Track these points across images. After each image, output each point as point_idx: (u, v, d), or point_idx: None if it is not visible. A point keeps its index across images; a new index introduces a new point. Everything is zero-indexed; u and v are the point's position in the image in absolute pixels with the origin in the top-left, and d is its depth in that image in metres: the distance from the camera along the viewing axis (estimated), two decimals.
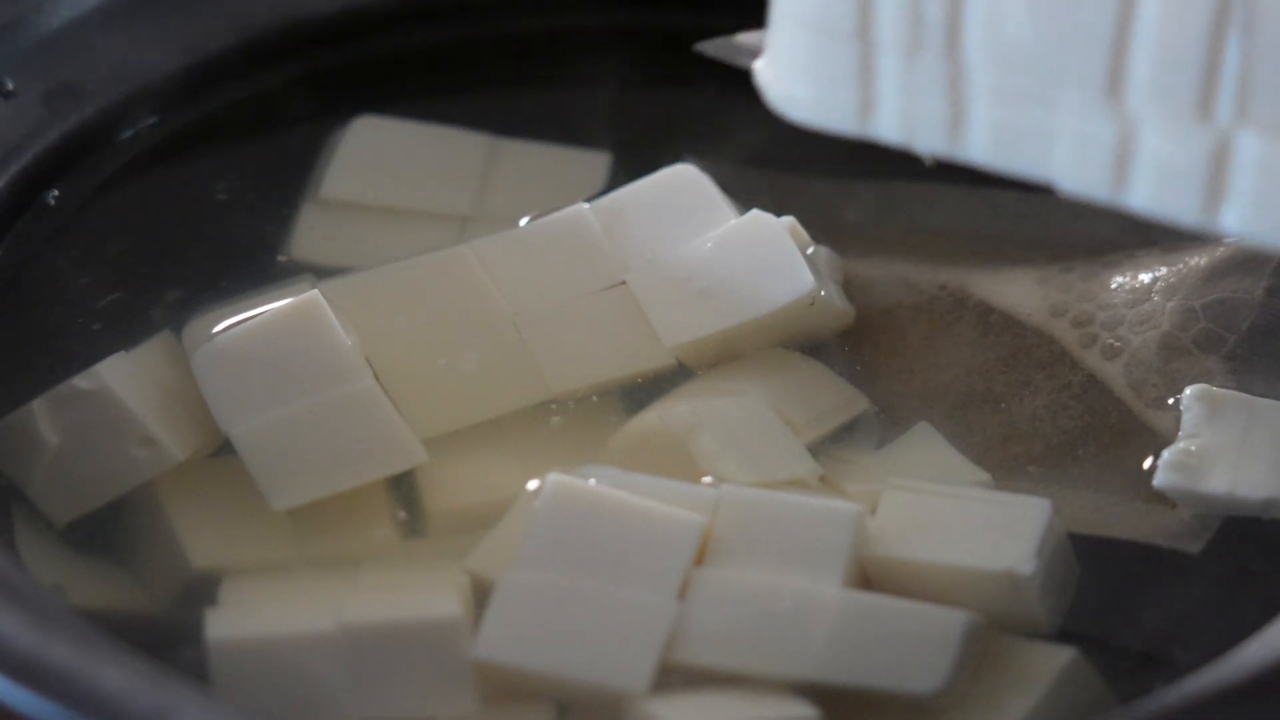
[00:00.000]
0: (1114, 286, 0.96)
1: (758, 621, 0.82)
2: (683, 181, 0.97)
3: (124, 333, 0.95)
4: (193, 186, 1.03)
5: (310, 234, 1.00)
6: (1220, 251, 0.96)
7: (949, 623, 0.83)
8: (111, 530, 0.89)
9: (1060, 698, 0.82)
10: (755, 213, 0.95)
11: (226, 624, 0.83)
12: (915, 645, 0.82)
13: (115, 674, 0.75)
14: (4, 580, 0.80)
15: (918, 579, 0.85)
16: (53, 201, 1.00)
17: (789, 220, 0.94)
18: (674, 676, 0.82)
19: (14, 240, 0.98)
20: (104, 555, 0.88)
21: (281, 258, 0.99)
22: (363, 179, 1.02)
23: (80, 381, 0.89)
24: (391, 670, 0.81)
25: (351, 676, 0.81)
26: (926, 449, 0.91)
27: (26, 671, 0.75)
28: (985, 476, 0.90)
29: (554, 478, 0.85)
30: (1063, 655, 0.83)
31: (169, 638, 0.83)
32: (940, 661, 0.82)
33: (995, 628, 0.84)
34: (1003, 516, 0.86)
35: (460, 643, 0.82)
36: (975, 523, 0.86)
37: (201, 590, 0.85)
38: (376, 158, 1.03)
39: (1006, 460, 0.91)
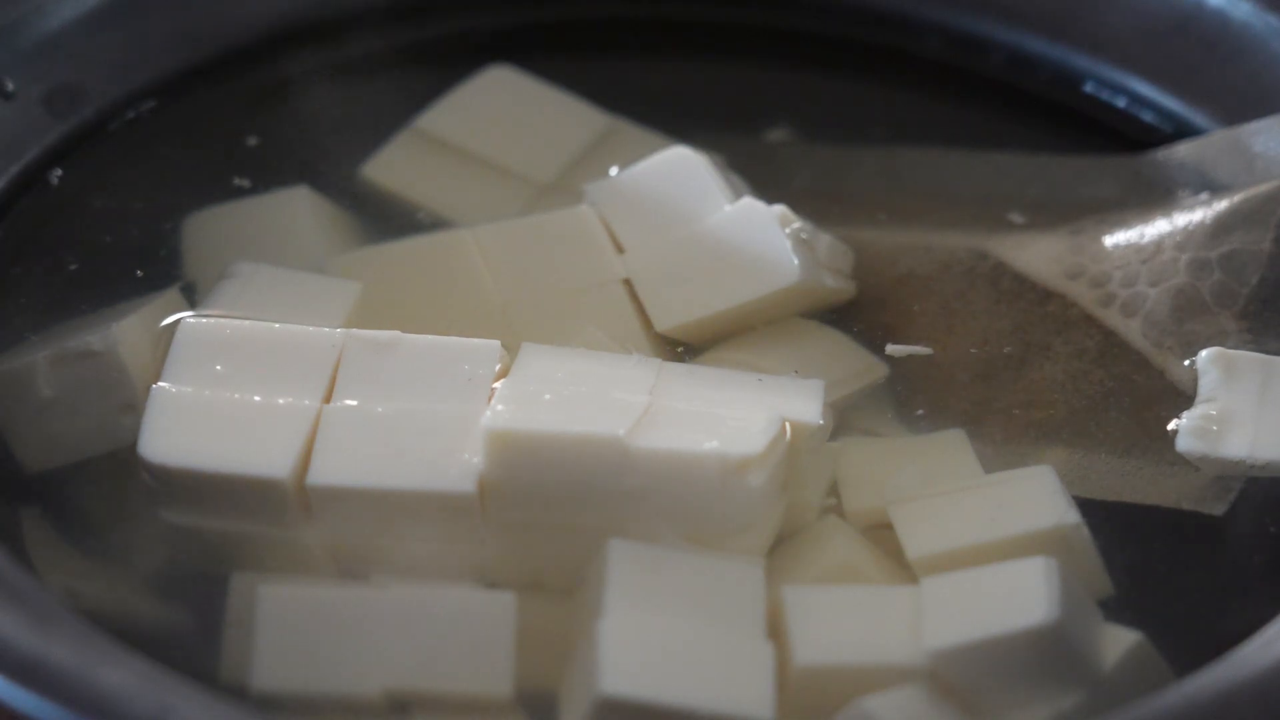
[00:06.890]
0: (1125, 244, 0.95)
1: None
2: (680, 165, 0.96)
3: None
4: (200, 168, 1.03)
5: (392, 158, 1.01)
6: (1224, 205, 0.95)
7: (1034, 563, 0.81)
8: (90, 490, 0.89)
9: (1124, 679, 0.81)
10: (747, 200, 0.95)
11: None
12: (1012, 591, 0.80)
13: (115, 674, 0.75)
14: (4, 580, 0.80)
15: (967, 564, 0.83)
16: (56, 181, 1.00)
17: (779, 209, 0.94)
18: None
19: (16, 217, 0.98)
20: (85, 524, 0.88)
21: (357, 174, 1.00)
22: (464, 122, 1.02)
23: (94, 341, 0.89)
24: (429, 639, 0.81)
25: (386, 642, 0.80)
26: (949, 452, 0.90)
27: (26, 671, 0.75)
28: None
29: None
30: (1127, 638, 0.82)
31: (169, 638, 0.83)
32: (1046, 596, 0.80)
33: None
34: (1018, 489, 0.86)
35: (506, 620, 0.81)
36: (995, 501, 0.86)
37: (203, 592, 0.85)
38: (489, 106, 1.03)
39: (1029, 427, 0.91)
